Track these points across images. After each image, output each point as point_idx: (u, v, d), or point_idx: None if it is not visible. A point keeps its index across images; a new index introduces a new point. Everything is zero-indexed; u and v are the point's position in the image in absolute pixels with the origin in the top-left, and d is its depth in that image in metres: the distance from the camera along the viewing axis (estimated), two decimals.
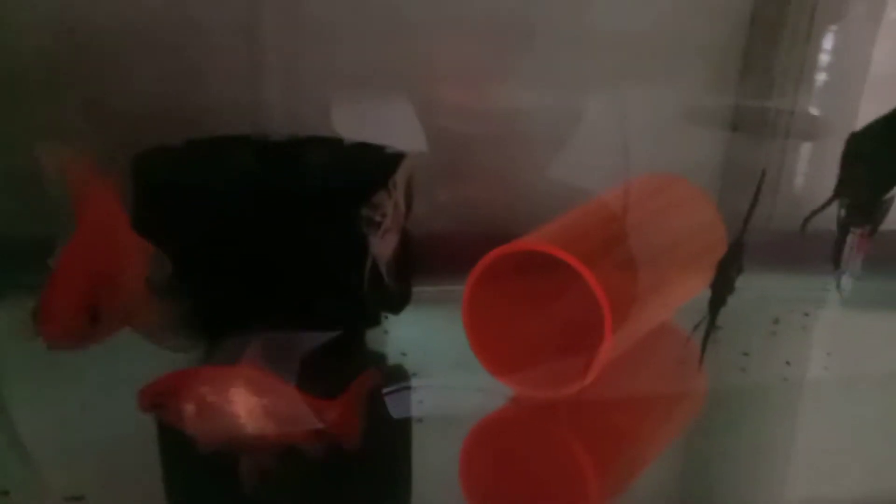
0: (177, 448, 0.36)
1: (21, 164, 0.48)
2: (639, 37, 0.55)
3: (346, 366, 0.43)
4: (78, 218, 0.32)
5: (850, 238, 0.57)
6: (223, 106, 0.49)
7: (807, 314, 0.52)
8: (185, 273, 0.38)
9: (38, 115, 0.48)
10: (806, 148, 0.63)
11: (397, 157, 0.42)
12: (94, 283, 0.29)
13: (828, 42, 0.60)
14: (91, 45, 0.47)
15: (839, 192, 0.38)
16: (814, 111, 0.63)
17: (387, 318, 0.47)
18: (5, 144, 0.48)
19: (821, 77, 0.61)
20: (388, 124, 0.51)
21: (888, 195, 0.38)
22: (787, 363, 0.47)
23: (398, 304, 0.45)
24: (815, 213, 0.39)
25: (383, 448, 0.38)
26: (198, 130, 0.45)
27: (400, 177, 0.38)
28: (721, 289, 0.39)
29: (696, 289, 0.44)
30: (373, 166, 0.41)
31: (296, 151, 0.42)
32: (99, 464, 0.35)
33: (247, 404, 0.31)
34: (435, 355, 0.45)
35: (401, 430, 0.40)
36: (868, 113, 0.60)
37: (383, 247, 0.37)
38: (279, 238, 0.38)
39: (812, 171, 0.63)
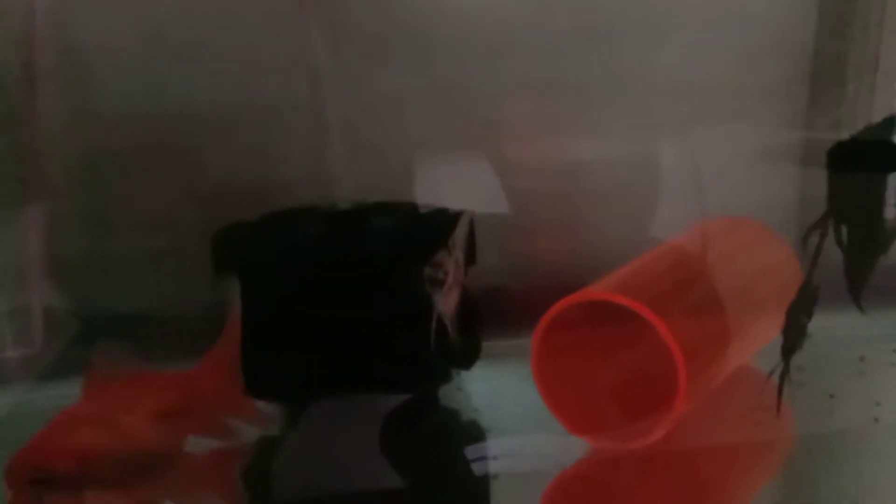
0: None
1: (109, 246, 0.52)
2: (703, 81, 0.55)
3: (421, 425, 0.44)
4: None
5: None
6: (295, 180, 0.51)
7: (895, 351, 0.50)
8: (262, 342, 0.40)
9: (127, 198, 0.51)
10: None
11: (457, 216, 0.43)
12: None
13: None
14: (174, 130, 0.50)
15: (832, 208, 0.36)
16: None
17: (459, 374, 0.47)
18: (93, 226, 0.52)
19: (890, 105, 0.60)
20: (470, 187, 0.53)
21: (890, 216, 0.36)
22: (877, 403, 0.45)
23: (468, 359, 0.45)
24: (811, 228, 0.37)
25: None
26: (273, 206, 0.47)
27: (459, 234, 0.38)
28: (792, 334, 0.38)
29: (774, 330, 0.43)
30: (434, 227, 0.42)
31: (360, 218, 0.44)
32: None
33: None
34: (509, 410, 0.45)
35: (478, 488, 0.40)
36: None
37: (447, 303, 0.38)
38: (347, 303, 0.39)
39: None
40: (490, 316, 0.46)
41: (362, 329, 0.39)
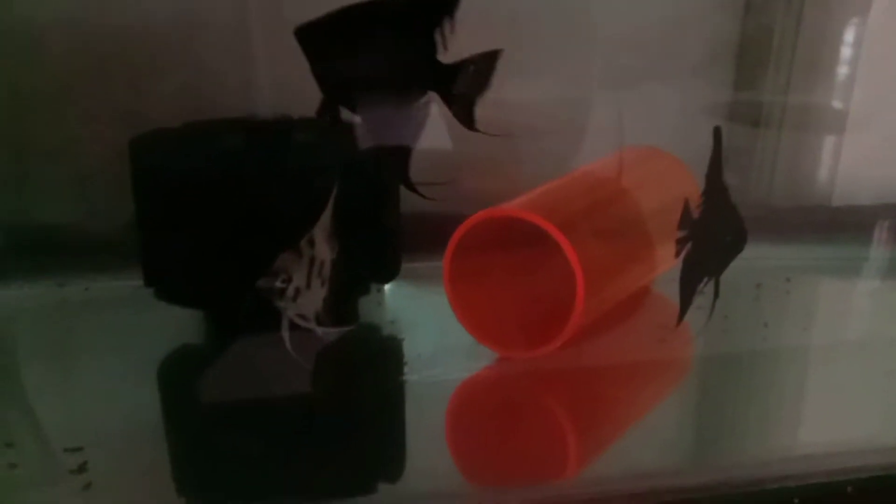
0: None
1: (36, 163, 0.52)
2: (637, 32, 0.56)
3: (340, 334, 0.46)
4: None
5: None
6: (222, 98, 0.51)
7: (788, 279, 0.54)
8: (177, 249, 0.41)
9: (58, 115, 0.51)
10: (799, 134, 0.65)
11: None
12: None
13: (819, 33, 0.62)
14: (101, 45, 0.50)
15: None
16: (810, 100, 0.65)
17: (379, 290, 0.49)
18: (21, 143, 0.52)
19: (813, 67, 0.63)
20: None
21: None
22: (765, 325, 0.48)
23: (386, 275, 0.47)
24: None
25: (376, 408, 0.41)
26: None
27: (323, 223, 0.36)
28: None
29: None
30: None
31: (282, 131, 0.44)
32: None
33: None
34: (426, 323, 0.47)
35: (392, 391, 0.42)
36: (861, 100, 0.62)
37: (304, 307, 0.36)
38: (262, 210, 0.40)
39: (804, 156, 0.65)
40: (422, 240, 0.48)
41: (278, 238, 0.39)
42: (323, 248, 0.37)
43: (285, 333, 0.36)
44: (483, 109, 0.59)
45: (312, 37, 0.34)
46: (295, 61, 0.52)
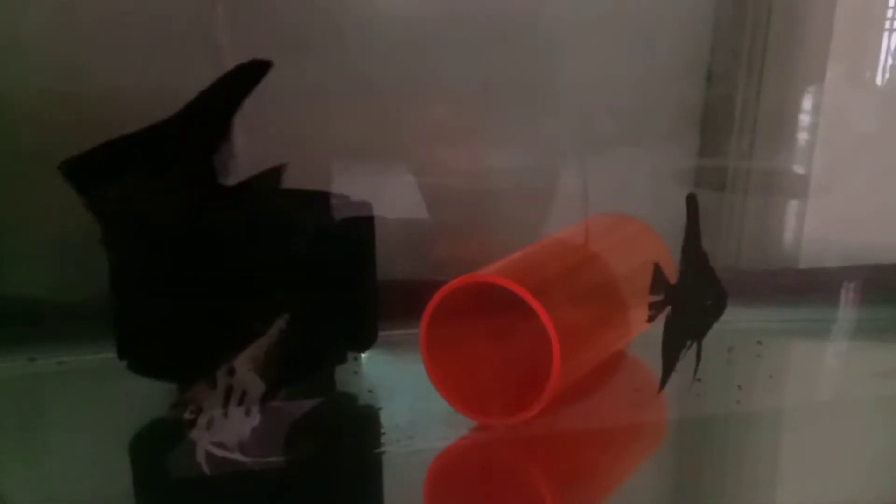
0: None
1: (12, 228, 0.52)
2: (604, 101, 0.58)
3: (316, 404, 0.45)
4: None
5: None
6: None
7: (760, 342, 0.54)
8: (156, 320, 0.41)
9: (29, 183, 0.51)
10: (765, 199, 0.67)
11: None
12: None
13: (780, 100, 0.65)
14: (75, 112, 0.50)
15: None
16: (774, 166, 0.67)
17: (356, 358, 0.49)
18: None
19: (775, 133, 0.65)
20: (385, 189, 0.54)
21: None
22: (739, 387, 0.49)
23: (363, 344, 0.47)
24: None
25: (352, 478, 0.40)
26: None
27: (252, 353, 0.36)
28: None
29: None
30: (327, 213, 0.44)
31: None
32: None
33: None
34: (404, 392, 0.47)
35: (368, 461, 0.41)
36: (822, 164, 0.64)
37: (222, 436, 0.36)
38: (243, 280, 0.40)
39: (770, 220, 0.67)
40: (398, 308, 0.48)
41: (254, 312, 0.39)
42: (248, 377, 0.36)
43: (201, 460, 0.36)
44: (456, 179, 0.61)
45: (79, 170, 0.34)
46: (270, 132, 0.54)
